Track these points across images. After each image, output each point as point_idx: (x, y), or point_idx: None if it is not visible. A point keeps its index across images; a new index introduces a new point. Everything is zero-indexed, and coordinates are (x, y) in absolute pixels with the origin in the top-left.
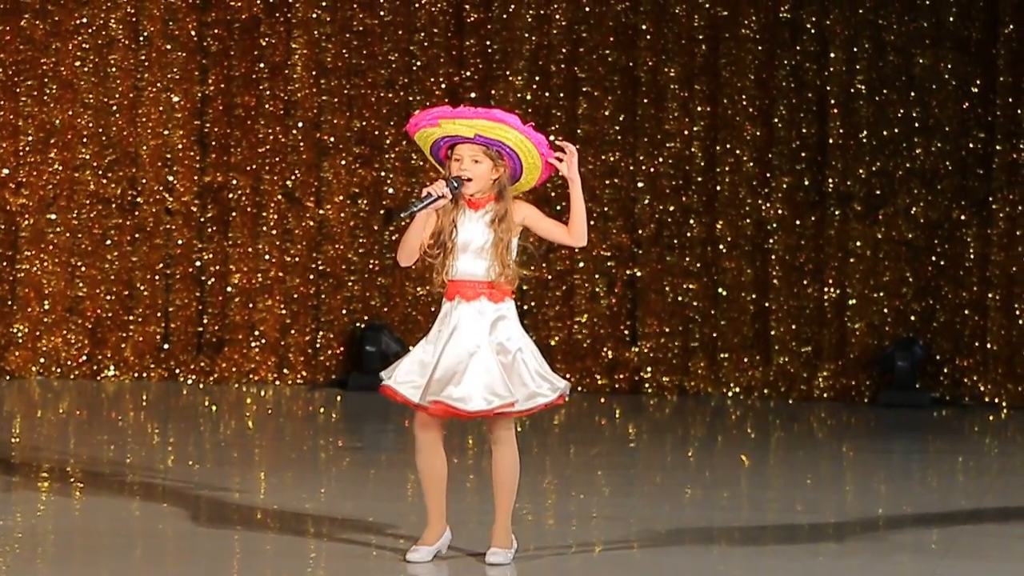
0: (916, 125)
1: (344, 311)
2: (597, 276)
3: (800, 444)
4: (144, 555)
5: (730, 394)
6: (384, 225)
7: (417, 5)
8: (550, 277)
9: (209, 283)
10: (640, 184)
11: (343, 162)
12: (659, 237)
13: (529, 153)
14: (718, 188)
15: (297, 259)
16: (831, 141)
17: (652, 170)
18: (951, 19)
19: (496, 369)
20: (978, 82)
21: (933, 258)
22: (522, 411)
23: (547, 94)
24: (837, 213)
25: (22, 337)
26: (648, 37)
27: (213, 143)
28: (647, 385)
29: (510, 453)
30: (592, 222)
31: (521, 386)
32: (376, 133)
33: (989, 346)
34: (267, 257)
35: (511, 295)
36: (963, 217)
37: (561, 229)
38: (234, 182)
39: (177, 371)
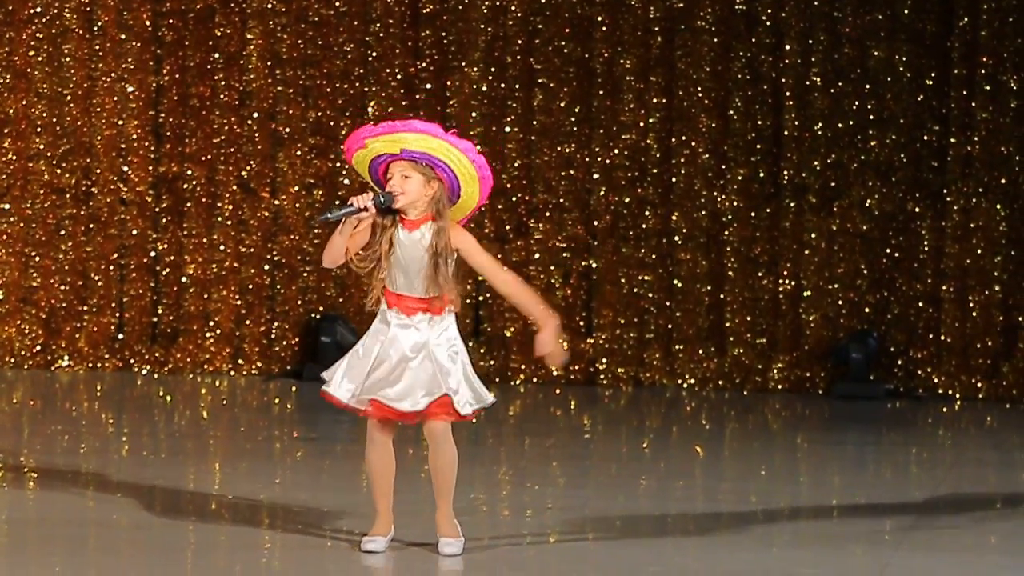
0: (871, 117)
1: (299, 301)
2: (552, 267)
3: (755, 435)
4: (98, 545)
5: (685, 385)
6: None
7: None
8: (505, 268)
9: (164, 273)
10: (596, 175)
11: (298, 153)
12: (615, 228)
13: (459, 162)
14: (674, 180)
15: (252, 249)
16: (786, 133)
17: (608, 162)
18: (906, 12)
19: (431, 369)
20: (933, 75)
21: (888, 250)
22: (457, 414)
23: (503, 85)
24: (792, 205)
25: None
26: (604, 29)
27: (168, 133)
28: (602, 376)
29: (448, 449)
30: (548, 213)
31: (456, 386)
32: (331, 124)
33: (943, 338)
34: (222, 247)
35: (451, 306)
36: (917, 209)
37: (496, 269)
38: (189, 172)
39: (132, 361)
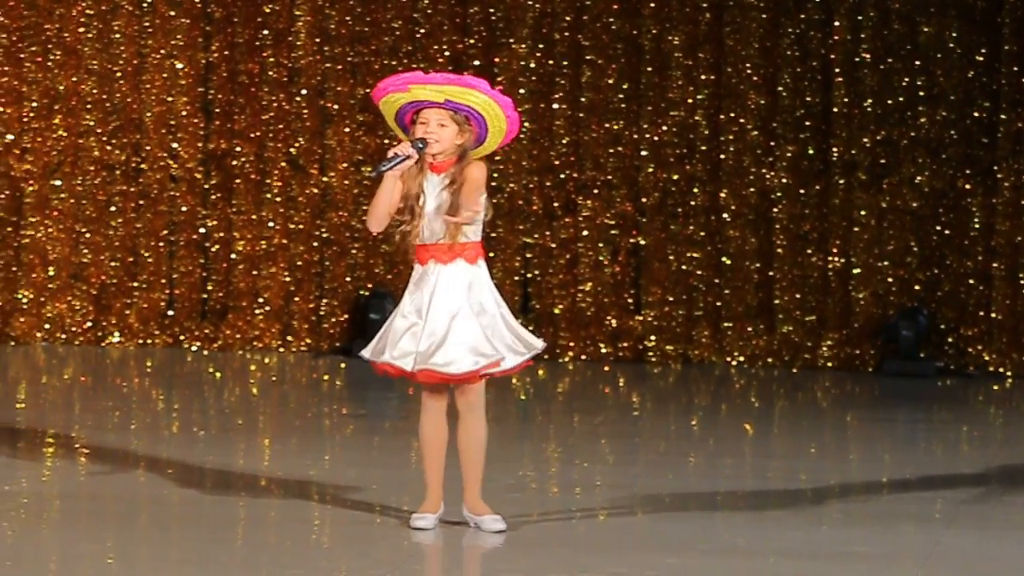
0: (921, 94)
1: (348, 278)
2: (601, 244)
3: (804, 413)
4: (149, 521)
5: (734, 363)
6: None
7: None
8: (554, 245)
9: (213, 250)
10: (644, 152)
11: (347, 129)
12: (663, 206)
13: (496, 117)
14: (722, 157)
15: (301, 226)
16: (836, 110)
17: (656, 138)
18: None
19: (478, 329)
20: (983, 51)
21: (938, 227)
22: (506, 369)
23: (551, 62)
24: (842, 182)
25: (27, 303)
26: (652, 5)
27: (217, 110)
28: (651, 354)
29: (478, 420)
30: (596, 191)
31: (503, 345)
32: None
33: (994, 315)
34: (271, 224)
35: (484, 255)
36: (968, 186)
37: (469, 203)
38: (238, 149)
39: (181, 338)
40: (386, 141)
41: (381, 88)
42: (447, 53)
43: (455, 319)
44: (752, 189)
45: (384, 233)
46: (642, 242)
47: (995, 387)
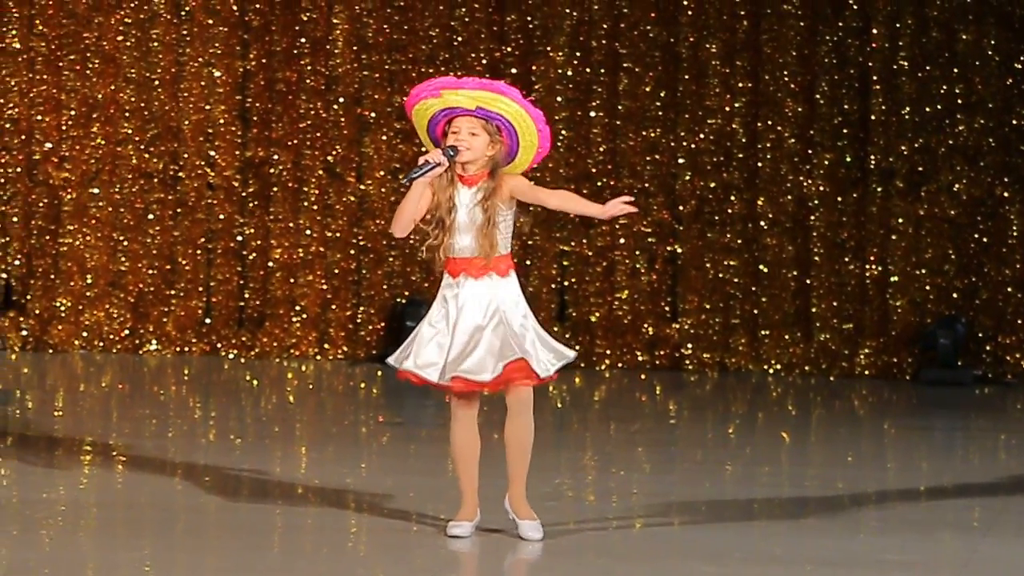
0: (959, 101)
1: (385, 286)
2: (638, 252)
3: (841, 421)
4: (186, 529)
5: (771, 371)
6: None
7: None
8: (591, 253)
9: (250, 258)
10: (681, 160)
11: (384, 137)
12: (700, 213)
13: (528, 130)
14: (759, 164)
15: (338, 234)
16: (873, 117)
17: (693, 146)
18: None
19: (504, 335)
20: (1021, 58)
21: (975, 235)
22: (537, 377)
23: (588, 70)
24: (879, 190)
25: (65, 311)
26: (689, 13)
27: (255, 118)
28: (688, 362)
29: (527, 418)
30: (633, 198)
31: (528, 348)
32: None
33: None
34: (308, 232)
35: (514, 267)
36: (1006, 194)
37: (541, 190)
38: (275, 157)
39: (219, 345)
40: (422, 149)
41: (414, 95)
42: (484, 61)
43: (483, 331)
44: (789, 197)
45: (408, 239)
46: (679, 250)
47: None
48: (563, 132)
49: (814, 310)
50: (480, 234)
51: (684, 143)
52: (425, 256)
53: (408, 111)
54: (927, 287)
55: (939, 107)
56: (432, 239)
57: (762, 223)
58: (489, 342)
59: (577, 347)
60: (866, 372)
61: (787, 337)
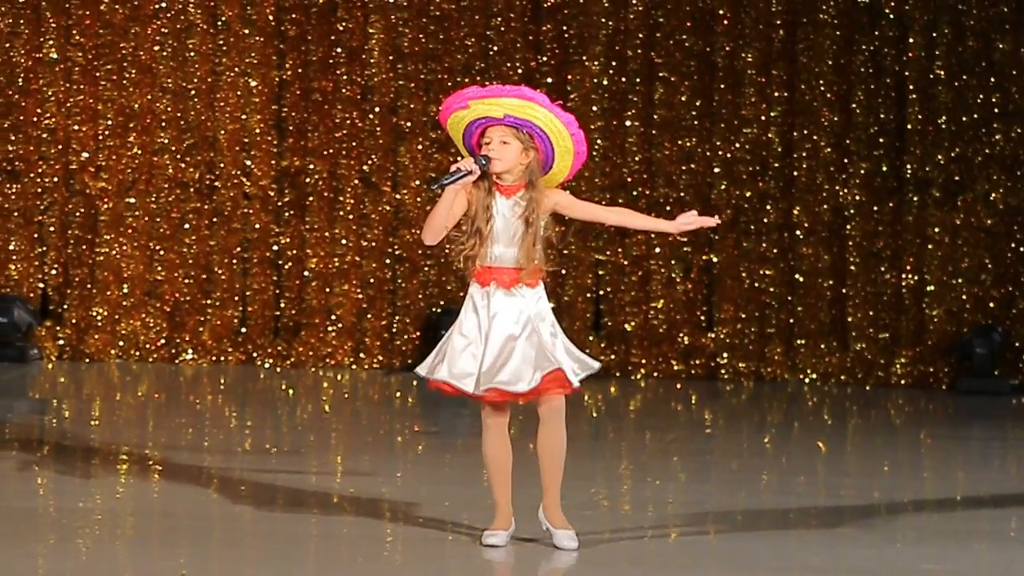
0: (996, 111)
1: (420, 295)
2: (673, 262)
3: (877, 431)
4: (222, 538)
5: (807, 380)
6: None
7: None
8: (626, 262)
9: (286, 267)
10: (717, 170)
11: (420, 147)
12: (736, 223)
13: (560, 134)
14: (795, 174)
15: (374, 244)
16: (909, 127)
17: (729, 156)
18: None
19: (539, 345)
20: None
21: (1012, 244)
22: (571, 385)
23: (624, 79)
24: (915, 199)
25: (101, 320)
26: (725, 22)
27: (290, 128)
28: (723, 371)
29: (562, 429)
30: (668, 208)
31: (561, 358)
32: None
33: None
34: (344, 241)
35: (544, 279)
36: None
37: (596, 208)
38: (311, 167)
39: (254, 355)
40: (458, 158)
41: (445, 108)
42: (520, 70)
43: (515, 340)
44: (825, 206)
45: (442, 249)
46: (715, 259)
47: None
48: (599, 142)
49: (850, 319)
50: (519, 244)
51: (720, 152)
52: (461, 265)
53: (443, 124)
54: (963, 296)
55: (976, 116)
56: (468, 248)
57: (798, 232)
58: (523, 352)
59: (612, 356)
60: (902, 382)
61: (823, 346)
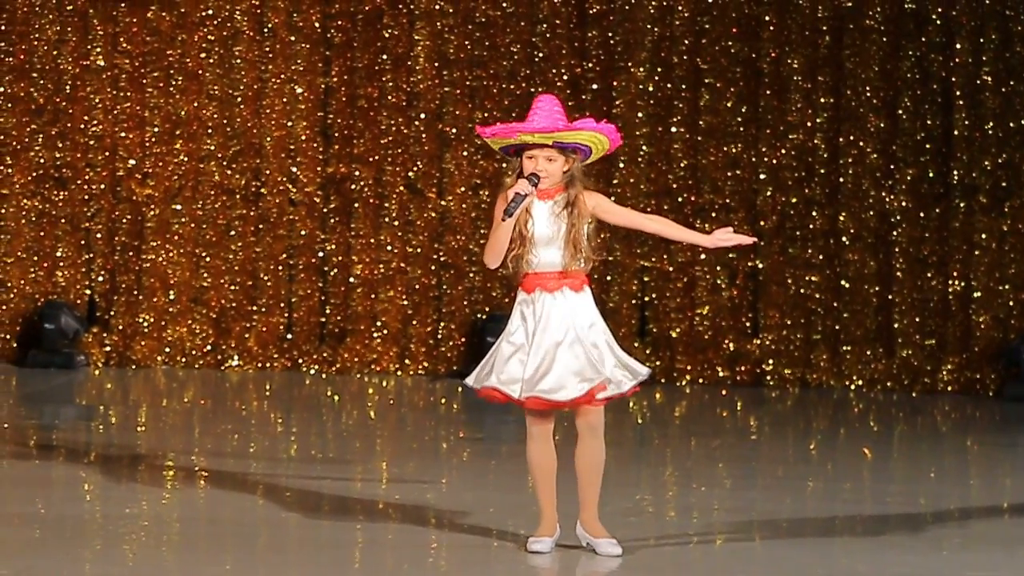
0: None
1: (465, 302)
2: (719, 268)
3: (924, 437)
4: (267, 544)
5: (853, 387)
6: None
7: None
8: (671, 269)
9: (332, 273)
10: (762, 176)
11: (465, 153)
12: (781, 229)
13: (600, 143)
14: (841, 180)
15: (419, 250)
16: (956, 133)
17: (775, 162)
18: None
19: (583, 355)
20: None
21: None
22: (612, 395)
23: (669, 85)
24: (962, 205)
25: (148, 327)
26: (771, 28)
27: (336, 134)
28: (769, 377)
29: (599, 443)
30: (714, 214)
31: (608, 369)
32: (498, 124)
33: None
34: (389, 248)
35: (588, 282)
36: None
37: (635, 214)
38: (357, 173)
39: (300, 361)
40: (503, 165)
41: (491, 132)
42: (566, 77)
43: (560, 346)
44: (871, 212)
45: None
46: (760, 265)
47: None
48: (644, 148)
49: (896, 326)
50: (562, 246)
51: (765, 158)
52: (508, 271)
53: (482, 136)
54: (1010, 303)
55: (1023, 122)
56: (515, 254)
57: (844, 239)
58: (566, 361)
59: (658, 363)
60: (948, 388)
61: (869, 353)
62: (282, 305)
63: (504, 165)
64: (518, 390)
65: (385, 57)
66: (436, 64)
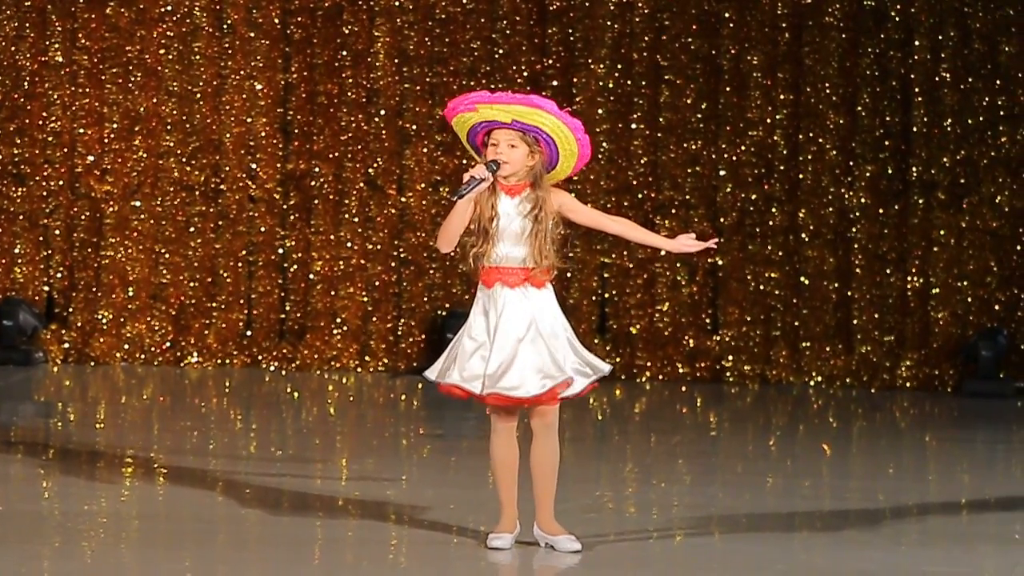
0: (1001, 113)
1: (425, 298)
2: (678, 265)
3: (883, 433)
4: (227, 541)
5: (812, 383)
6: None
7: None
8: (631, 265)
9: (291, 270)
10: (722, 172)
11: (425, 150)
12: (741, 225)
13: (566, 139)
14: (801, 176)
15: (379, 247)
16: (915, 129)
17: (734, 158)
18: None
19: (545, 351)
20: None
21: (1018, 247)
22: (575, 393)
23: (629, 82)
24: (921, 202)
25: (106, 324)
26: (731, 25)
27: (296, 131)
28: (728, 374)
29: (553, 441)
30: (674, 210)
31: (570, 367)
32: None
33: None
34: (349, 245)
35: (551, 280)
36: None
37: (599, 215)
38: (316, 170)
39: (259, 358)
40: (464, 162)
41: (451, 108)
42: (525, 73)
43: (522, 343)
44: (831, 209)
45: (454, 252)
46: (720, 262)
47: None
48: (604, 144)
49: (855, 322)
50: (527, 243)
51: (725, 155)
52: (468, 267)
53: (448, 120)
54: (969, 299)
55: (981, 119)
56: (475, 248)
57: (803, 235)
58: (527, 357)
59: (618, 359)
60: (907, 384)
61: (828, 349)
62: (241, 302)
63: (466, 162)
64: (479, 386)
65: (345, 53)
66: (396, 61)
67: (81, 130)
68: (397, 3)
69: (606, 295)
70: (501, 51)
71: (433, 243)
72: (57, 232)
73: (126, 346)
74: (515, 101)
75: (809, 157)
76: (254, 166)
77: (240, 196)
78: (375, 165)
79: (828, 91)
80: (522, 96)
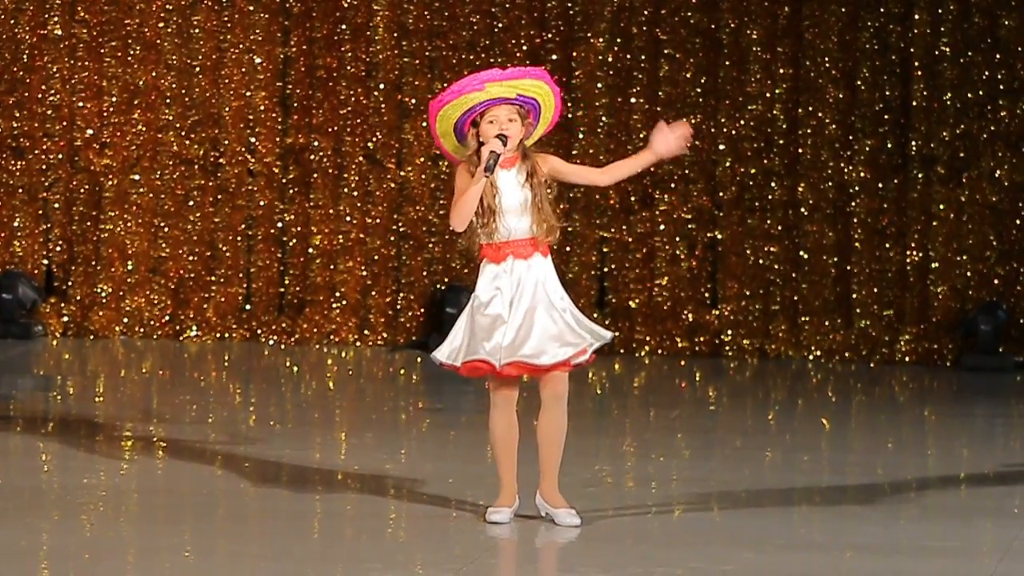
0: (1001, 87)
1: (425, 273)
2: (678, 239)
3: (881, 408)
4: (226, 514)
5: (811, 357)
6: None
7: None
8: (630, 240)
9: (291, 244)
10: (721, 147)
11: (424, 124)
12: (740, 200)
13: (549, 107)
14: (800, 151)
15: (378, 221)
16: (915, 104)
17: (734, 133)
18: None
19: (560, 319)
20: None
21: (1017, 221)
22: (585, 360)
23: (628, 56)
24: (920, 176)
25: (106, 297)
26: None
27: (295, 105)
28: (727, 348)
29: (563, 412)
30: (673, 185)
31: (585, 332)
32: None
33: None
34: (348, 219)
35: (554, 242)
36: None
37: (589, 170)
38: (316, 143)
39: (259, 332)
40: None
41: (456, 89)
42: (525, 47)
43: (536, 312)
44: (830, 183)
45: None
46: (719, 236)
47: None
48: (603, 119)
49: (854, 296)
50: (531, 212)
51: (725, 129)
52: (471, 246)
53: (439, 107)
54: (968, 273)
55: (981, 93)
56: (482, 226)
57: (803, 209)
58: (545, 325)
59: (617, 333)
60: (906, 359)
61: (827, 324)
62: (241, 276)
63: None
64: (498, 358)
65: (344, 27)
66: (395, 34)
67: (80, 103)
68: None
69: (605, 269)
70: (500, 25)
71: (433, 217)
72: (56, 205)
73: (125, 320)
74: (521, 75)
75: (808, 131)
76: (253, 140)
77: (239, 170)
78: (374, 139)
79: (828, 65)
80: (523, 70)
